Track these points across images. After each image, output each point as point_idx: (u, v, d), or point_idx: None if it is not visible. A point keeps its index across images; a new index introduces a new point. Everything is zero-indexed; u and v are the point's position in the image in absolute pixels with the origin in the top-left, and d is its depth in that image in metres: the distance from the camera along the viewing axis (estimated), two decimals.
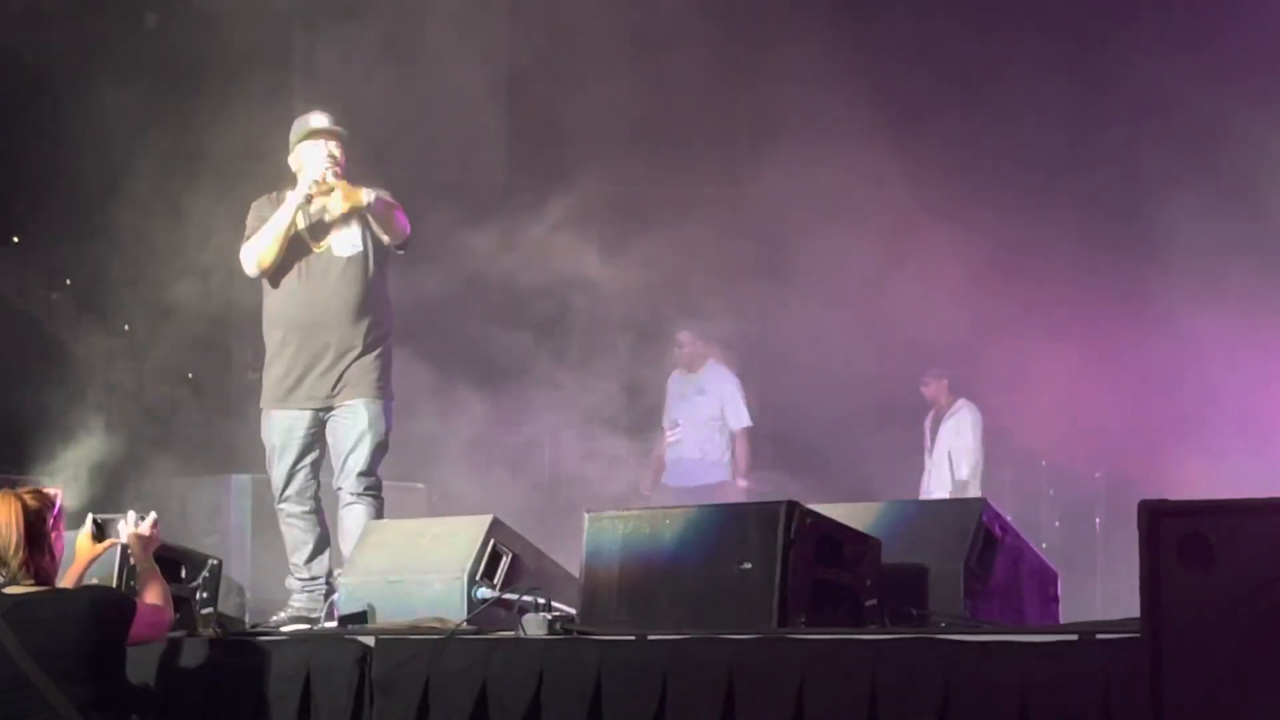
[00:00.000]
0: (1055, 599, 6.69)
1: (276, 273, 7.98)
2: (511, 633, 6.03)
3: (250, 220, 8.04)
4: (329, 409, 7.96)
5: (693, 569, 5.81)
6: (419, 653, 5.95)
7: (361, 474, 7.88)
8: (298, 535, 7.94)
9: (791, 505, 5.69)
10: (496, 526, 6.77)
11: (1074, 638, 5.04)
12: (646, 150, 12.08)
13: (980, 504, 6.35)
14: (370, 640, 6.12)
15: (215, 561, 7.07)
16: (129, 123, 10.95)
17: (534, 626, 5.94)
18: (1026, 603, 6.46)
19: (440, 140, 11.22)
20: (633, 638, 5.67)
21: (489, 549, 6.68)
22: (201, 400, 10.78)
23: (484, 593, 6.55)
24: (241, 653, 6.40)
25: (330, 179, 7.89)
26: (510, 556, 6.74)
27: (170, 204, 10.69)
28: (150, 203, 10.94)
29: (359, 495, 7.86)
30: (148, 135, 11.01)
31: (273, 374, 8.04)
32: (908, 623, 5.89)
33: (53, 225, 11.43)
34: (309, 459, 7.99)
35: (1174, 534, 4.13)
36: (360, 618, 6.69)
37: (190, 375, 11.56)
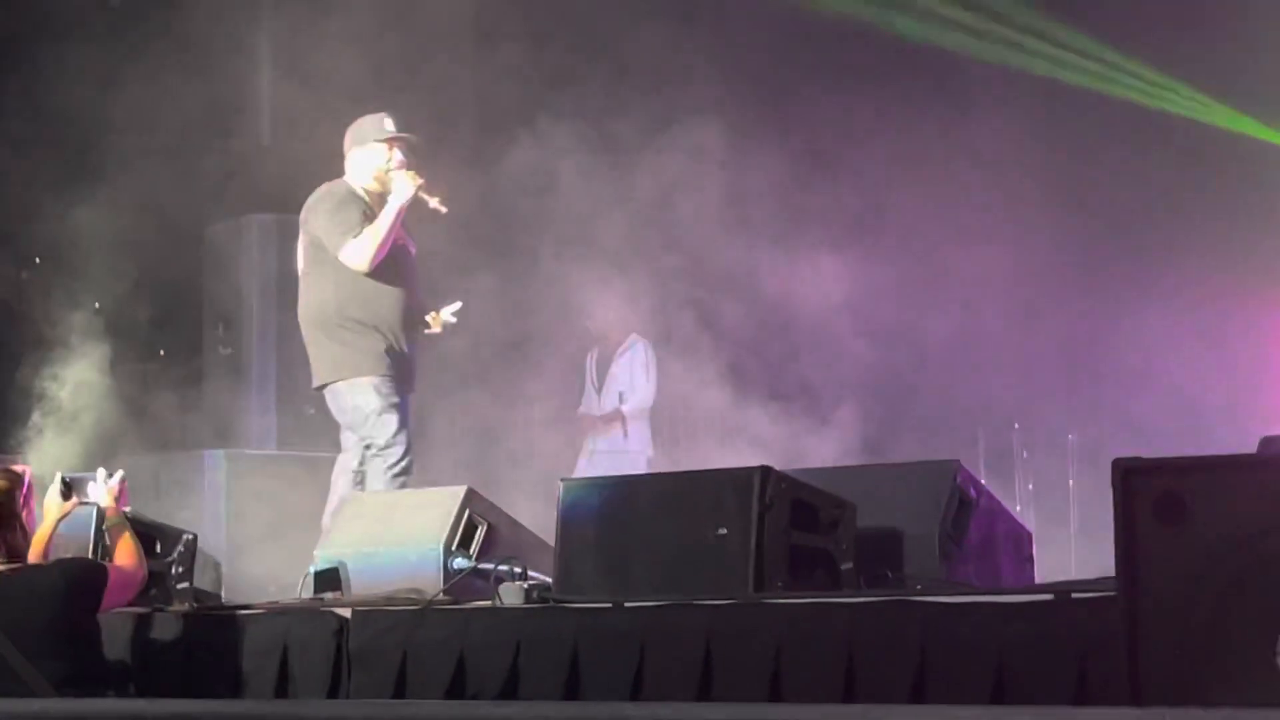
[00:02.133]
0: (1030, 559, 6.72)
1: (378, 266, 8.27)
2: (488, 602, 6.04)
3: (338, 216, 8.26)
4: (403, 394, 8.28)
5: (668, 536, 5.83)
6: (396, 624, 5.95)
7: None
8: None
9: (766, 471, 5.70)
10: (471, 497, 6.77)
11: (1049, 597, 5.07)
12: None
13: (954, 466, 6.37)
14: (347, 613, 6.12)
15: (190, 536, 7.06)
16: (97, 99, 10.89)
17: (511, 596, 5.95)
18: (1002, 564, 6.48)
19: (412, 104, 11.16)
20: (609, 605, 5.67)
21: (464, 519, 6.68)
22: (174, 376, 10.74)
23: (460, 563, 6.55)
24: (217, 627, 6.40)
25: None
26: (486, 526, 6.74)
27: (139, 181, 10.63)
28: (119, 180, 10.88)
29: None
30: (115, 111, 10.95)
31: (373, 348, 8.21)
32: (884, 586, 5.91)
33: (21, 204, 11.36)
34: None
35: (1148, 492, 4.12)
36: (333, 575, 6.69)
37: (162, 352, 11.52)
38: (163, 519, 7.52)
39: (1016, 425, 12.84)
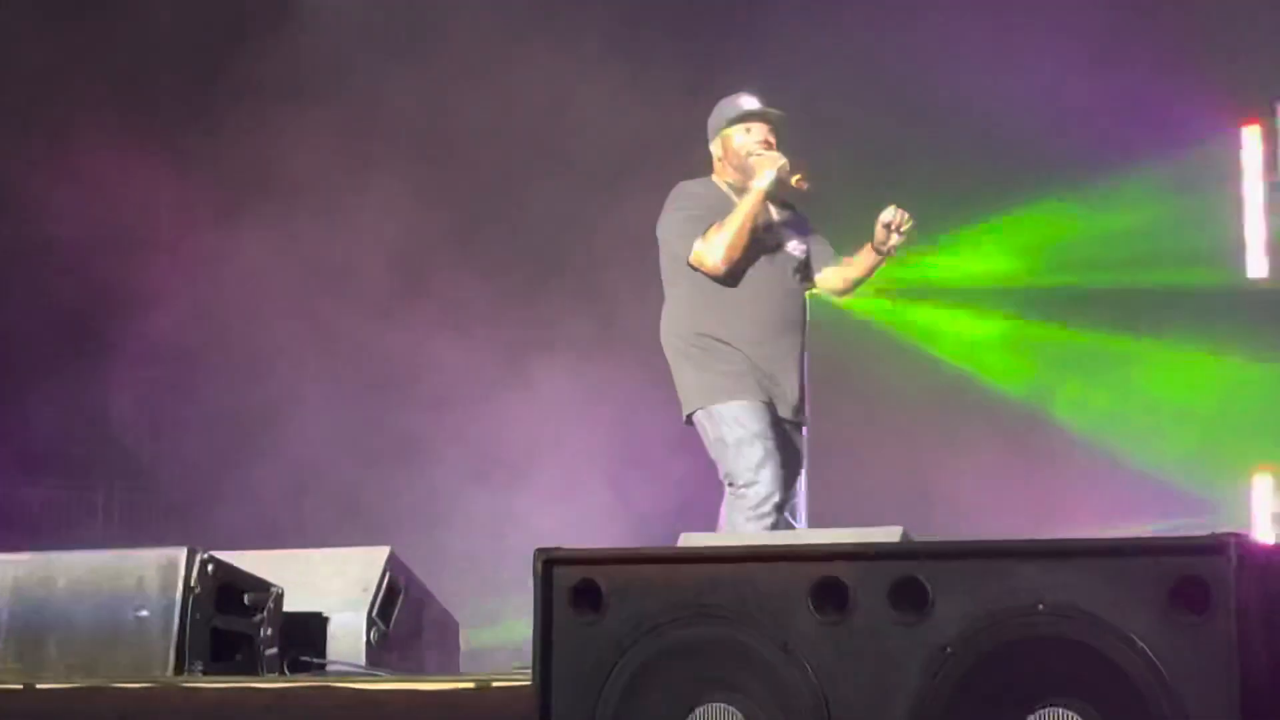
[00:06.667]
0: (457, 649, 6.82)
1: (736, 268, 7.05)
2: None
3: (688, 214, 7.06)
4: (791, 423, 7.10)
5: (86, 616, 5.72)
6: None
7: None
8: None
9: (192, 552, 5.67)
10: None
11: (471, 685, 5.13)
12: None
13: (386, 554, 6.43)
14: None
15: None
16: None
17: None
18: (427, 652, 6.57)
19: None
20: (20, 688, 5.49)
21: None
22: None
23: None
24: None
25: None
26: None
27: None
28: None
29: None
30: None
31: (732, 368, 6.97)
32: (306, 671, 5.91)
33: None
34: None
35: (566, 582, 4.22)
36: None
37: None
38: None
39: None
